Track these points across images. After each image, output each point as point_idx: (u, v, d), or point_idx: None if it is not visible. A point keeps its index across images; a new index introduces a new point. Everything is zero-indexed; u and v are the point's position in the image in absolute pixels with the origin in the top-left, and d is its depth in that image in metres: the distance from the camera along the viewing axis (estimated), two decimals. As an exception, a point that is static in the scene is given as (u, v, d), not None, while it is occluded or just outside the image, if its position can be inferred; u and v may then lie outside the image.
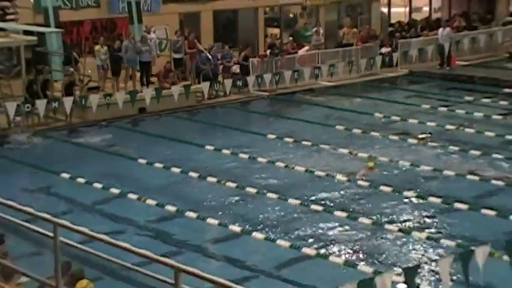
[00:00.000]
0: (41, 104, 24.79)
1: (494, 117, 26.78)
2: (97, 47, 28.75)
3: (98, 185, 19.87)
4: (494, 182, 19.75)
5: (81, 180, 20.31)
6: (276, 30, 36.21)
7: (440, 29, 34.96)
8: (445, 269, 12.27)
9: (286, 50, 33.25)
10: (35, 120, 25.77)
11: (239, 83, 29.46)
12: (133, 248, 7.88)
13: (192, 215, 17.85)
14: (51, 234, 7.98)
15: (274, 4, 35.56)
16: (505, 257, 13.04)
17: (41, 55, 27.92)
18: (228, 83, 28.90)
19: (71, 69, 27.34)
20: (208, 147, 23.26)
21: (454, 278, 12.85)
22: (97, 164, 22.24)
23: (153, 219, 17.94)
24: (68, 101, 25.18)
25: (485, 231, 16.27)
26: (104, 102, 25.90)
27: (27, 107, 25.08)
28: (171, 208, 18.28)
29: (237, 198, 19.29)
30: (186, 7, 32.38)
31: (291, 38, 34.66)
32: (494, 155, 22.13)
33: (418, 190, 19.41)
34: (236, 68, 30.86)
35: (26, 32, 27.41)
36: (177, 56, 30.34)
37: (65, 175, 20.74)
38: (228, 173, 20.84)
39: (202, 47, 30.89)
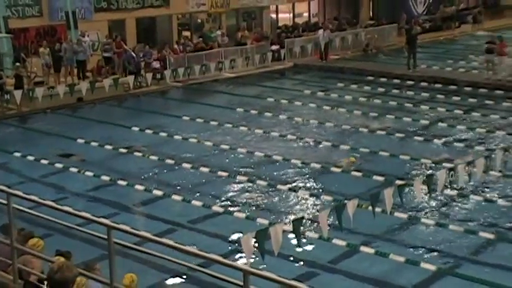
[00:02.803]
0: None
1: (360, 99, 27.19)
2: (41, 49, 28.13)
3: (45, 161, 19.53)
4: (361, 150, 20.11)
5: (30, 158, 19.94)
6: (187, 33, 35.96)
7: (321, 31, 35.17)
8: (324, 218, 12.48)
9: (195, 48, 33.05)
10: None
11: (158, 75, 29.34)
12: (74, 211, 7.77)
13: (122, 183, 17.73)
14: (5, 202, 7.80)
15: (185, 12, 35.31)
16: (369, 208, 13.33)
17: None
18: (149, 76, 28.75)
19: (18, 64, 26.69)
20: (134, 128, 23.08)
21: (331, 225, 13.07)
22: (43, 144, 21.76)
23: (91, 187, 17.68)
24: (17, 93, 24.68)
25: (354, 189, 16.54)
26: (48, 93, 25.47)
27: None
28: (105, 178, 18.09)
29: (158, 168, 19.17)
30: (113, 15, 31.92)
31: (200, 39, 34.48)
32: (361, 129, 22.52)
33: (303, 158, 19.63)
34: (156, 64, 30.56)
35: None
36: (107, 54, 29.90)
37: (17, 154, 20.35)
38: (150, 148, 20.69)
39: (128, 47, 30.51)
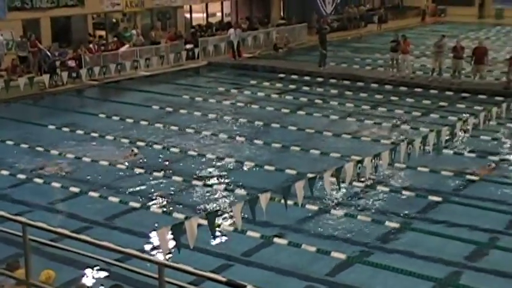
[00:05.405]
0: None
1: (273, 95, 27.43)
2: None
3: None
4: (273, 145, 20.29)
5: None
6: (103, 32, 35.42)
7: (232, 29, 35.28)
8: (238, 211, 12.52)
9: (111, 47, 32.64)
10: None
11: (74, 74, 28.80)
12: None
13: (39, 180, 17.35)
14: None
15: (100, 11, 34.76)
16: (282, 200, 13.46)
17: None
18: (65, 74, 28.19)
19: None
20: (50, 126, 22.61)
21: (245, 217, 13.12)
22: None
23: (7, 185, 17.23)
24: None
25: (267, 182, 16.64)
26: (-39, 93, 24.75)
27: None
28: (21, 176, 17.68)
29: (74, 166, 18.80)
30: (27, 14, 31.04)
31: (115, 38, 34.06)
32: (273, 125, 22.71)
33: (217, 153, 19.64)
34: (72, 63, 30.00)
35: None
36: (21, 54, 29.22)
37: None
38: (67, 146, 20.31)
39: (43, 46, 29.85)
